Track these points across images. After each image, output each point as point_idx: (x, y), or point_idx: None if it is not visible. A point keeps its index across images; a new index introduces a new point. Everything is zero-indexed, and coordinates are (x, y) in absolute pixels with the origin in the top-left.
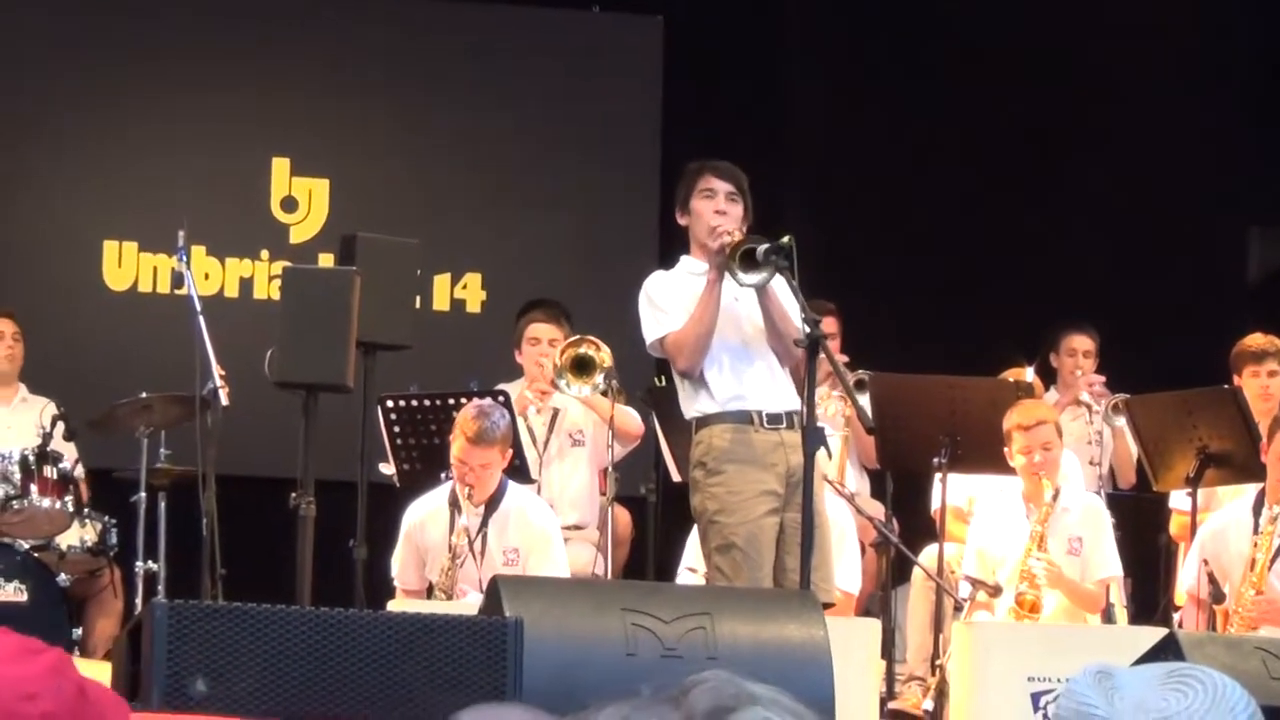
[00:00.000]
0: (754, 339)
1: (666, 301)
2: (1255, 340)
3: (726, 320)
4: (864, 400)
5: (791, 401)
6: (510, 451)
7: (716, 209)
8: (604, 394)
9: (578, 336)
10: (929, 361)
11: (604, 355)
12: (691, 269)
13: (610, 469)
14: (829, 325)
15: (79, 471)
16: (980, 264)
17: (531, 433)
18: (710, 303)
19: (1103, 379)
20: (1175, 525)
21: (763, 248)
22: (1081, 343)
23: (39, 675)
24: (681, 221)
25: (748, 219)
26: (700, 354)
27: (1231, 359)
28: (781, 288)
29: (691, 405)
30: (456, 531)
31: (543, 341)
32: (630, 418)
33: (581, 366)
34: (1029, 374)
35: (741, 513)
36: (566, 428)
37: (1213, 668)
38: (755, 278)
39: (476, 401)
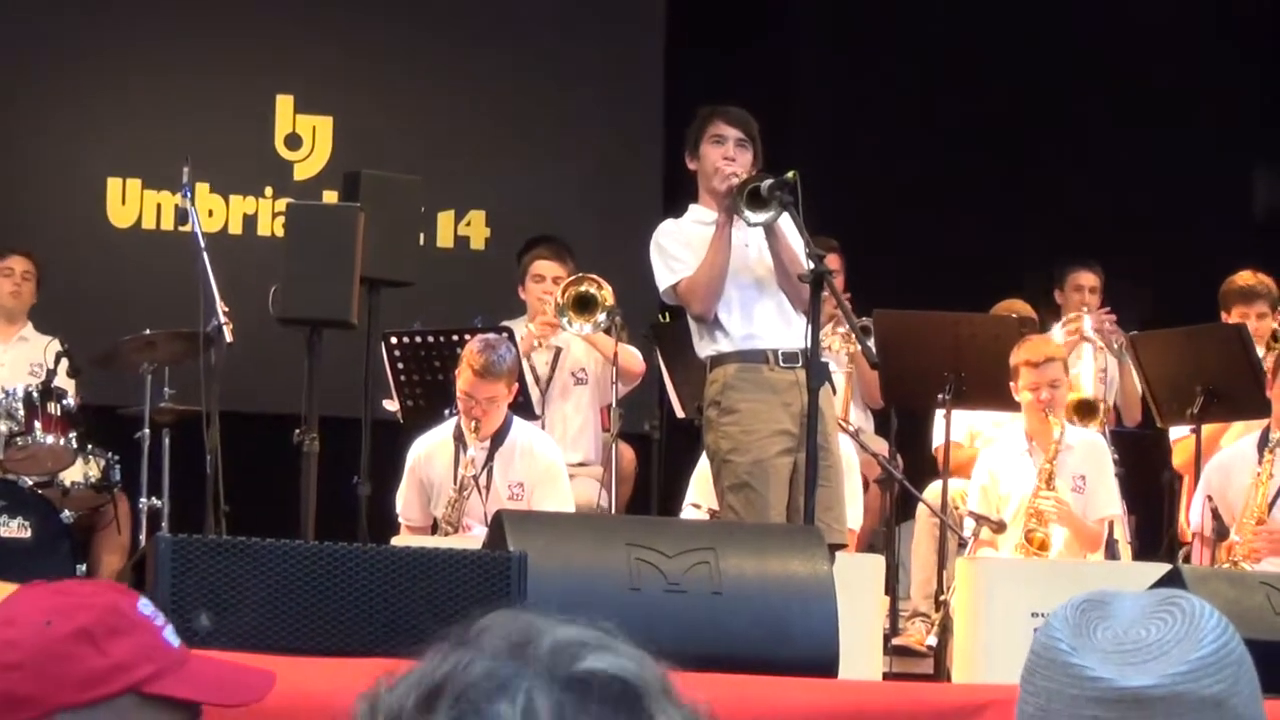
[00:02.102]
0: (766, 281)
1: (677, 249)
2: (1244, 279)
3: (738, 263)
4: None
5: (805, 342)
6: (516, 386)
7: (725, 155)
8: (606, 331)
9: (579, 275)
10: (933, 298)
11: (606, 293)
12: (700, 217)
13: (614, 405)
14: (832, 262)
15: (73, 396)
16: (985, 201)
17: (534, 371)
18: (721, 247)
19: (1113, 315)
20: (1180, 455)
21: (767, 183)
22: (1087, 279)
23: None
24: (691, 166)
25: (757, 165)
26: (714, 298)
27: (1220, 296)
28: (788, 224)
29: (705, 346)
30: (464, 463)
31: (547, 279)
32: (633, 357)
33: (583, 304)
34: (1057, 333)
35: (755, 451)
36: (569, 366)
37: (1216, 603)
38: (762, 216)
39: (482, 335)
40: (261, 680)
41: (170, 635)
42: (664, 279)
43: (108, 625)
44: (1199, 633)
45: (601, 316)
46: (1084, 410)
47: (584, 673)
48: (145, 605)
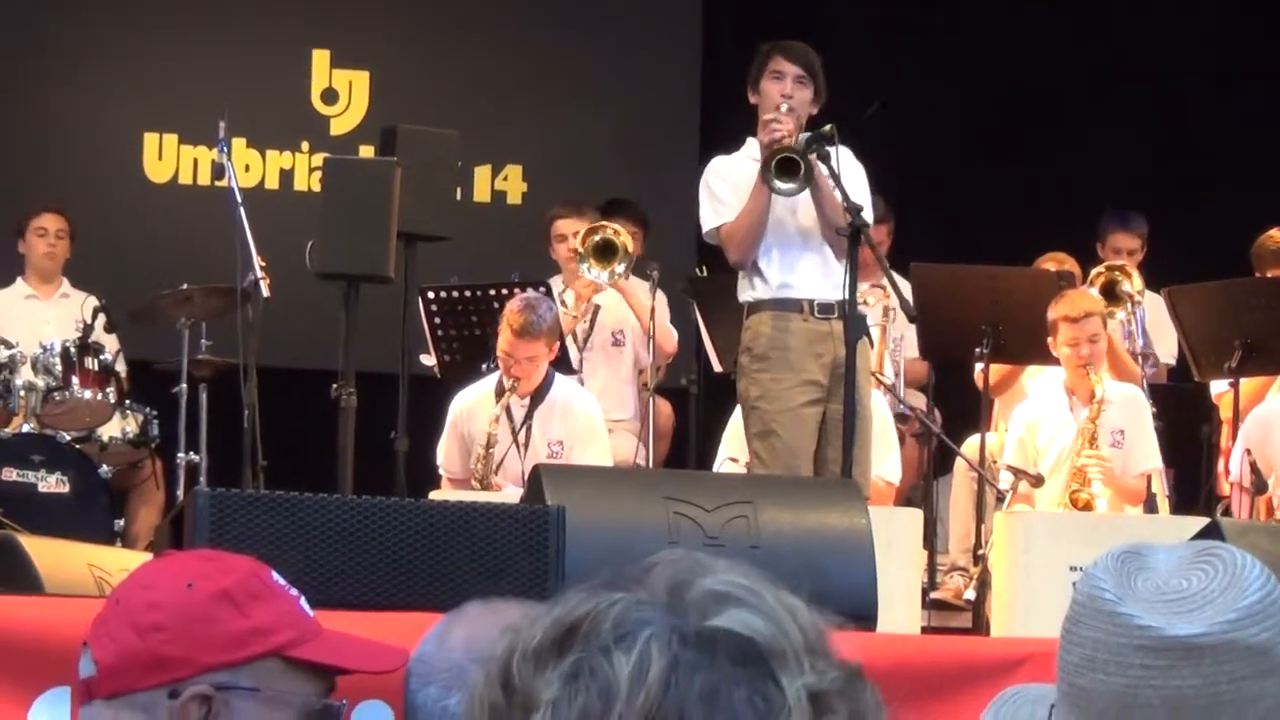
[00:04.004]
0: (810, 233)
1: (723, 190)
2: (1275, 239)
3: (782, 213)
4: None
5: (842, 294)
6: (557, 344)
7: (783, 92)
8: (643, 277)
9: (596, 224)
10: (972, 253)
11: (625, 240)
12: (754, 153)
13: (650, 364)
14: (878, 234)
15: (120, 364)
16: (1024, 154)
17: (573, 330)
18: (761, 196)
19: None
20: (1226, 407)
21: (804, 136)
22: (1126, 242)
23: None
24: (752, 100)
25: (819, 101)
26: (750, 247)
27: (1253, 256)
28: (846, 172)
29: (745, 290)
30: (491, 419)
31: (569, 237)
32: (668, 336)
33: (604, 251)
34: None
35: (782, 400)
36: (609, 325)
37: (1254, 556)
38: (789, 185)
39: (524, 294)
40: (394, 651)
41: (305, 605)
42: (708, 220)
43: (248, 590)
44: (1243, 582)
45: (620, 267)
46: (1109, 294)
47: (711, 629)
48: (279, 577)
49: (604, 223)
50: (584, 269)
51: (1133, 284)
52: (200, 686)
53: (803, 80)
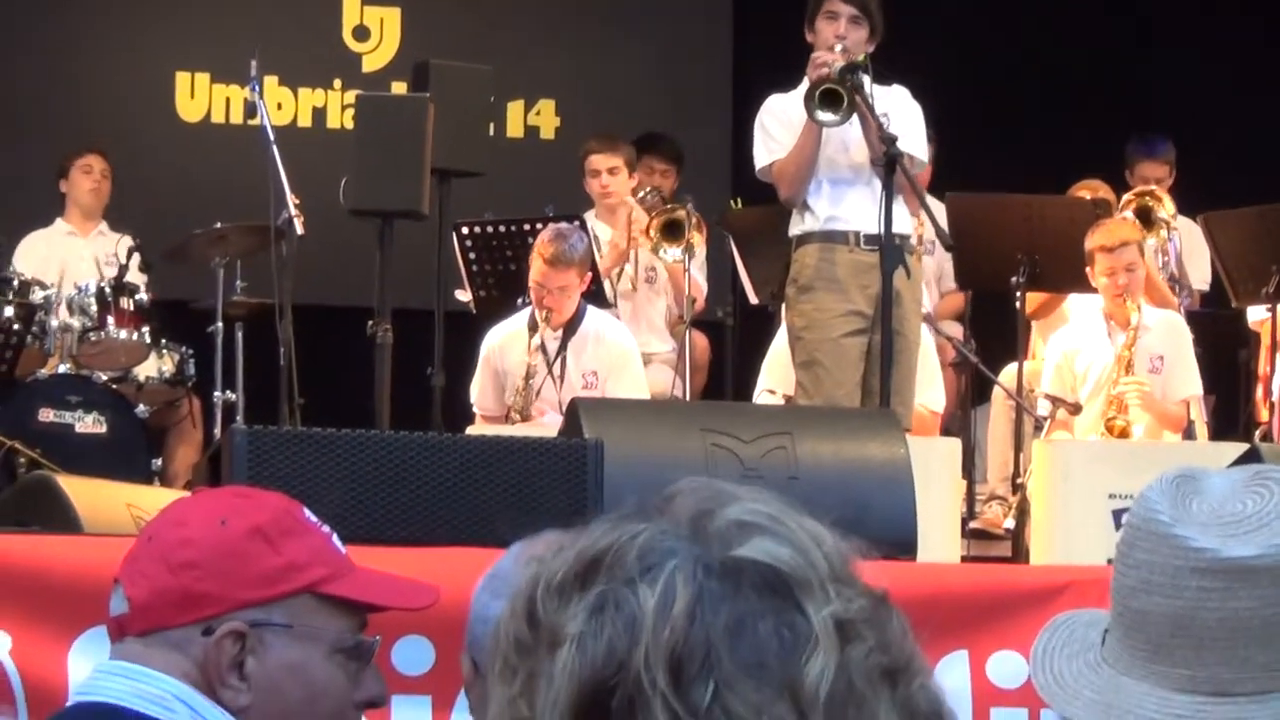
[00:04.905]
0: (860, 166)
1: (777, 129)
2: None
3: (835, 149)
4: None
5: (895, 225)
6: (589, 275)
7: (837, 32)
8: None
9: (663, 208)
10: (1008, 181)
11: (689, 216)
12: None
13: (686, 293)
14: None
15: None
16: (1058, 80)
17: (609, 274)
18: (812, 134)
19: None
20: (1265, 333)
21: (838, 66)
22: (1155, 170)
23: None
24: (808, 38)
25: (875, 39)
26: (800, 184)
27: None
28: (899, 110)
29: (795, 224)
30: (530, 350)
31: (602, 172)
32: (699, 293)
33: (672, 229)
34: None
35: (825, 330)
36: (643, 262)
37: None
38: (830, 117)
39: (554, 225)
40: (426, 588)
41: (337, 542)
42: (760, 158)
43: (281, 526)
44: None
45: (684, 248)
46: (1144, 217)
47: (736, 559)
48: (310, 513)
49: (671, 205)
50: (662, 253)
51: (1165, 209)
52: (234, 623)
53: (857, 20)
